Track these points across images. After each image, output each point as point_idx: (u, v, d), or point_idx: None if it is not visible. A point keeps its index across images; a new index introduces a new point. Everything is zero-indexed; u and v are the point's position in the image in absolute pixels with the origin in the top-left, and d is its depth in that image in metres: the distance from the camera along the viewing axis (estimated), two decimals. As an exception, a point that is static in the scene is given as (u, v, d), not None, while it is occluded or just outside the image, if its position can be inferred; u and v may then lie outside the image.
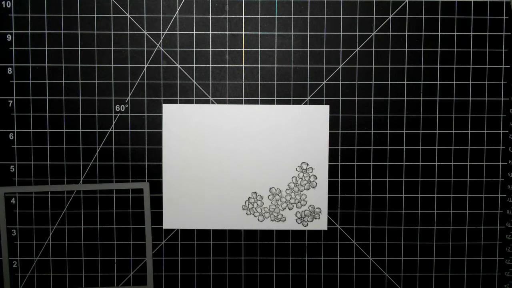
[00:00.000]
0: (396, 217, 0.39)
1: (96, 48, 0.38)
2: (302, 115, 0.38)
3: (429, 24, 0.38)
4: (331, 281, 0.39)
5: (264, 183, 0.38)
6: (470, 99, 0.38)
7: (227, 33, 0.38)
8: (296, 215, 0.38)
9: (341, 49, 0.38)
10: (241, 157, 0.38)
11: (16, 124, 0.38)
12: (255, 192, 0.38)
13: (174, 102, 0.38)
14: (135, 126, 0.38)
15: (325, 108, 0.38)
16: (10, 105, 0.38)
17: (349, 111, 0.38)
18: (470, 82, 0.38)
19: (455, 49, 0.38)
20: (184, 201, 0.38)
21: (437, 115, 0.38)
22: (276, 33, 0.38)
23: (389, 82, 0.38)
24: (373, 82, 0.38)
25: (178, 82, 0.38)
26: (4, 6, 0.37)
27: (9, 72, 0.38)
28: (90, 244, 0.39)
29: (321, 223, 0.38)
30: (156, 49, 0.38)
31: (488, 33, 0.38)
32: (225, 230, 0.39)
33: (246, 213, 0.38)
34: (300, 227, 0.38)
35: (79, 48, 0.38)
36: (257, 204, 0.38)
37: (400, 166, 0.38)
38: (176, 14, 0.38)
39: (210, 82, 0.38)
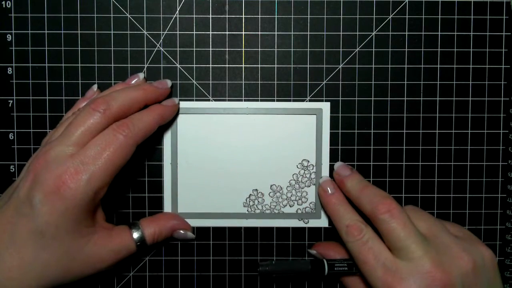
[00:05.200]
0: (396, 217, 0.39)
1: (96, 48, 0.38)
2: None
3: (429, 24, 0.38)
4: (331, 281, 0.39)
5: (265, 180, 0.38)
6: (470, 99, 0.38)
7: (227, 33, 0.38)
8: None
9: (341, 49, 0.38)
10: (242, 154, 0.38)
11: (16, 124, 0.38)
12: (256, 189, 0.38)
13: (174, 102, 0.38)
14: (135, 126, 0.38)
15: (326, 105, 0.38)
16: (10, 105, 0.38)
17: (349, 111, 0.38)
18: (470, 82, 0.38)
19: (455, 49, 0.38)
20: (184, 199, 0.38)
21: (437, 115, 0.38)
22: (276, 33, 0.38)
23: (389, 82, 0.38)
24: (373, 82, 0.38)
25: (178, 82, 0.38)
26: (4, 6, 0.37)
27: (9, 72, 0.38)
28: (90, 244, 0.39)
29: (322, 221, 0.38)
30: (156, 49, 0.38)
31: (488, 33, 0.38)
32: (225, 228, 0.39)
33: (247, 210, 0.38)
34: (301, 224, 0.38)
35: (79, 48, 0.38)
36: (258, 201, 0.38)
37: (400, 166, 0.38)
38: (176, 14, 0.38)
39: (210, 82, 0.38)
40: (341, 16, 0.38)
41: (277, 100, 0.38)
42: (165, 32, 0.38)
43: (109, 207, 0.38)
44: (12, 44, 0.38)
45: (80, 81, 0.38)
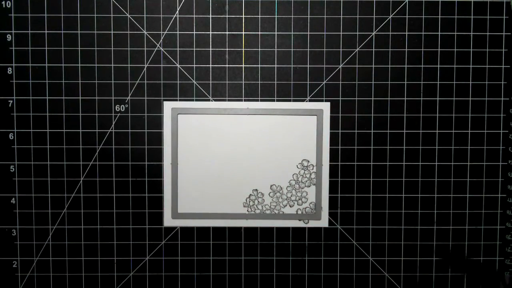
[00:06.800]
0: (396, 217, 0.39)
1: (96, 48, 0.38)
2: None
3: (429, 24, 0.38)
4: (331, 281, 0.39)
5: (265, 180, 0.38)
6: (470, 99, 0.38)
7: (227, 33, 0.38)
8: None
9: (341, 49, 0.38)
10: (242, 155, 0.38)
11: (16, 124, 0.38)
12: (256, 189, 0.38)
13: (174, 102, 0.38)
14: (135, 126, 0.38)
15: (326, 105, 0.38)
16: (10, 105, 0.38)
17: (349, 111, 0.38)
18: (470, 82, 0.38)
19: (455, 49, 0.38)
20: (184, 199, 0.38)
21: (437, 115, 0.38)
22: (276, 33, 0.38)
23: (389, 82, 0.38)
24: (373, 82, 0.38)
25: (178, 82, 0.38)
26: (4, 6, 0.37)
27: (9, 72, 0.38)
28: (90, 244, 0.39)
29: (321, 220, 0.38)
30: (156, 49, 0.38)
31: (488, 33, 0.38)
32: (225, 228, 0.39)
33: (247, 210, 0.38)
34: (301, 224, 0.38)
35: (79, 48, 0.38)
36: (258, 201, 0.38)
37: (400, 166, 0.38)
38: (176, 14, 0.38)
39: (210, 82, 0.38)
40: (341, 16, 0.38)
41: (277, 100, 0.38)
42: (165, 32, 0.38)
43: (109, 207, 0.38)
44: (12, 44, 0.38)
45: (80, 81, 0.38)
